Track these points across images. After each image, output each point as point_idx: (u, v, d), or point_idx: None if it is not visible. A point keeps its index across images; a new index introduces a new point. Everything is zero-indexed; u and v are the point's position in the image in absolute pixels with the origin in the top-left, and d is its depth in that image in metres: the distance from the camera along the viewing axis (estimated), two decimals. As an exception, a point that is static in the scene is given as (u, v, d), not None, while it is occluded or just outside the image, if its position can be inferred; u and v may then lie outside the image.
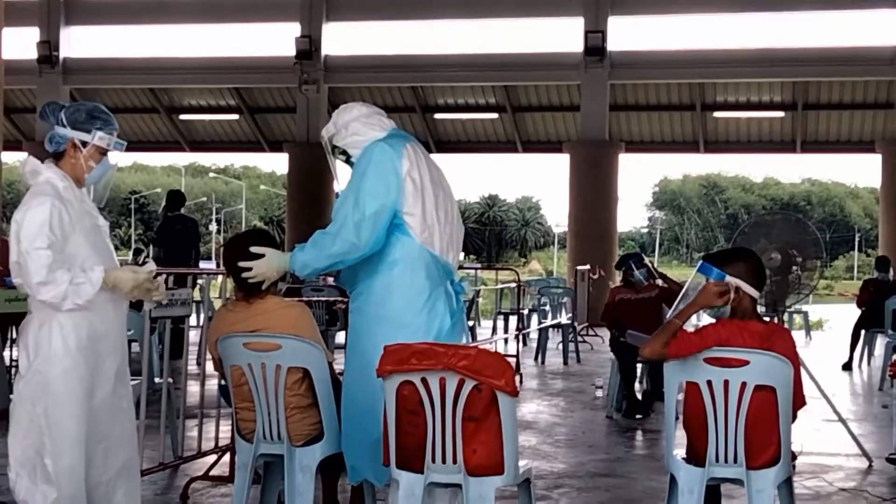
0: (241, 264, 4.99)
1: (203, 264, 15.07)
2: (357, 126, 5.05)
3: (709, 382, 4.59)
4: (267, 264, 4.97)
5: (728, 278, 4.74)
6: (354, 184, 4.85)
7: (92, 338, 4.46)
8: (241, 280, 5.05)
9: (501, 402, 4.28)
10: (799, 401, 4.67)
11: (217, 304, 8.78)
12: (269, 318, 5.07)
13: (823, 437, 8.79)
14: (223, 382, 5.38)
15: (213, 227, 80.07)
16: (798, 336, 19.73)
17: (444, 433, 4.30)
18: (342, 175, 5.17)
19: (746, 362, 4.54)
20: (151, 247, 15.32)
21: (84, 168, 4.61)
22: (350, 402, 4.96)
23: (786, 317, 18.73)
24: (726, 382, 4.55)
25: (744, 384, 4.53)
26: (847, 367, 14.52)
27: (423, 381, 4.29)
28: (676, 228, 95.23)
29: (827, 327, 27.74)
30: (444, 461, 4.33)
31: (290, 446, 5.03)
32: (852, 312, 15.37)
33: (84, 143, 4.62)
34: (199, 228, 15.06)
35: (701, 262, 4.86)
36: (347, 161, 5.11)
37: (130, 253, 26.31)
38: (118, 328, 4.67)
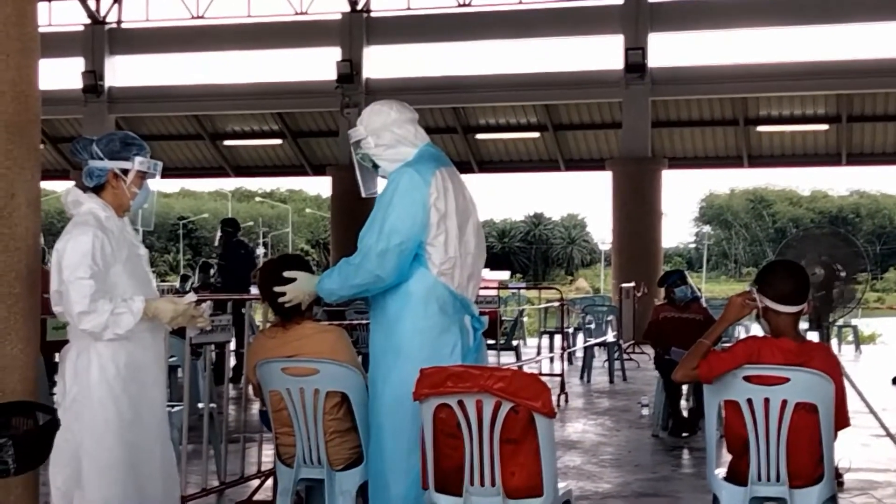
0: (276, 289, 5.02)
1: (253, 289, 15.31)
2: (388, 136, 4.92)
3: (749, 401, 4.54)
4: (299, 288, 4.99)
5: (754, 292, 4.72)
6: (380, 213, 4.76)
7: (130, 367, 4.48)
8: (278, 305, 5.08)
9: (539, 423, 4.26)
10: (842, 420, 4.60)
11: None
12: (307, 343, 5.10)
13: (872, 453, 8.68)
14: (263, 408, 5.40)
15: (261, 250, 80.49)
16: (848, 350, 19.51)
17: (482, 456, 4.29)
18: (366, 181, 5.09)
19: (786, 379, 4.49)
20: (216, 271, 15.57)
21: (129, 195, 4.66)
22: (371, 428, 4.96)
23: (835, 331, 18.59)
24: (767, 400, 4.50)
25: (784, 402, 4.48)
26: (897, 381, 14.32)
27: (460, 403, 4.28)
28: (724, 243, 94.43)
29: (880, 341, 27.39)
30: (482, 484, 4.32)
31: (331, 470, 5.05)
32: (902, 326, 15.17)
33: (125, 172, 4.66)
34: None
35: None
36: (374, 167, 5.01)
37: (178, 278, 26.47)
38: (157, 357, 4.70)
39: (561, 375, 12.87)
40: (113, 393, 4.43)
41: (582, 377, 14.76)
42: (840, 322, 18.00)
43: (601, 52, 24.05)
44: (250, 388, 5.52)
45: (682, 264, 74.85)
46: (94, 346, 4.42)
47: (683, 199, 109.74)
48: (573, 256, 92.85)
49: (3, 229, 4.75)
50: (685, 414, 10.15)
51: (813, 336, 8.48)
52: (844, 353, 18.56)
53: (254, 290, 15.36)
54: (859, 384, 7.25)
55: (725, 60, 24.01)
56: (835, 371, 4.59)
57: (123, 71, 26.71)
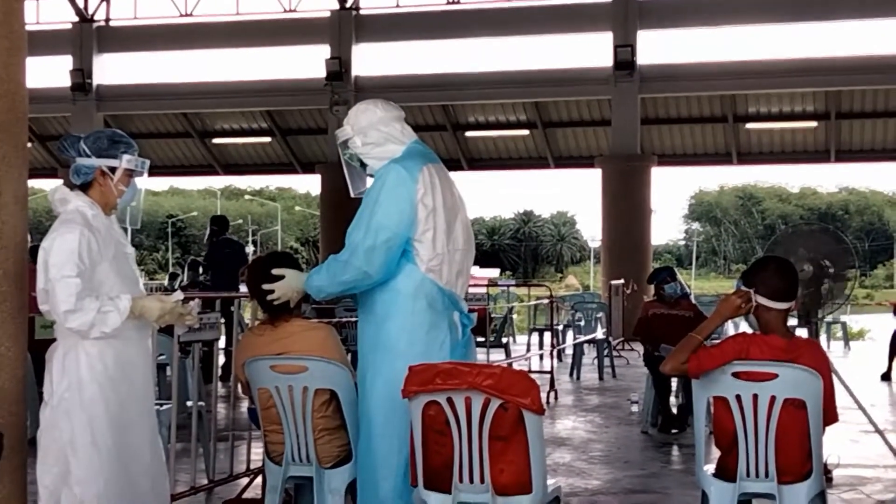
0: (264, 286, 5.02)
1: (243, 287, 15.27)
2: (375, 135, 4.91)
3: (737, 397, 4.54)
4: (288, 285, 4.98)
5: (744, 287, 4.70)
6: (367, 209, 4.75)
7: (118, 365, 4.47)
8: (266, 303, 5.08)
9: (528, 420, 4.26)
10: (830, 416, 4.60)
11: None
12: (295, 341, 5.09)
13: (861, 449, 8.70)
14: (252, 406, 5.40)
15: (250, 248, 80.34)
16: (837, 347, 19.56)
17: (470, 453, 4.29)
18: (355, 180, 5.10)
19: (775, 376, 4.49)
20: (202, 270, 15.57)
21: (116, 193, 4.65)
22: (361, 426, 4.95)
23: (823, 327, 18.61)
24: (755, 396, 4.50)
25: (773, 398, 4.48)
26: (886, 377, 14.36)
27: (449, 400, 4.27)
28: (713, 240, 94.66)
29: (868, 338, 27.42)
30: (471, 481, 4.31)
31: (319, 468, 5.04)
32: (892, 322, 15.20)
33: (112, 169, 4.65)
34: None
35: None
36: (362, 166, 5.01)
37: (167, 277, 26.44)
38: (145, 355, 4.69)
39: (550, 372, 12.87)
40: (102, 391, 4.42)
41: (571, 374, 14.77)
42: (829, 319, 18.10)
43: (590, 50, 24.08)
44: (239, 385, 5.51)
45: (671, 261, 75.01)
46: (81, 345, 4.41)
47: (673, 196, 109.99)
48: (563, 254, 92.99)
49: (-9, 227, 4.74)
50: (674, 410, 10.16)
51: (802, 333, 8.50)
52: (833, 350, 18.61)
53: (243, 288, 15.36)
54: (848, 380, 7.26)
55: (714, 57, 24.05)
56: (823, 367, 4.58)
57: (112, 69, 26.66)
